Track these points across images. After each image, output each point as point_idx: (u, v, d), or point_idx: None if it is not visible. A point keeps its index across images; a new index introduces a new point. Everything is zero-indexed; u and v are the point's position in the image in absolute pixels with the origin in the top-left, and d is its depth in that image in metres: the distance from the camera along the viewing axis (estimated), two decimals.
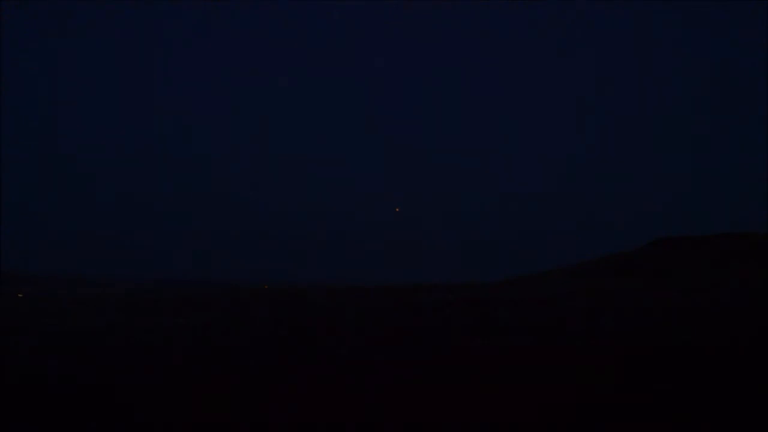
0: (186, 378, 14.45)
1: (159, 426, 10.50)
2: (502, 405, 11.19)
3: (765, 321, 22.52)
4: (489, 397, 11.81)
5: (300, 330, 24.67)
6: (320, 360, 16.57)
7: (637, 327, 22.38)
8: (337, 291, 62.39)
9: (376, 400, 11.82)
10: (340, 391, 12.68)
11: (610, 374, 13.55)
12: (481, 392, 12.18)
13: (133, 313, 37.28)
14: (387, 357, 16.76)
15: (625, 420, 10.12)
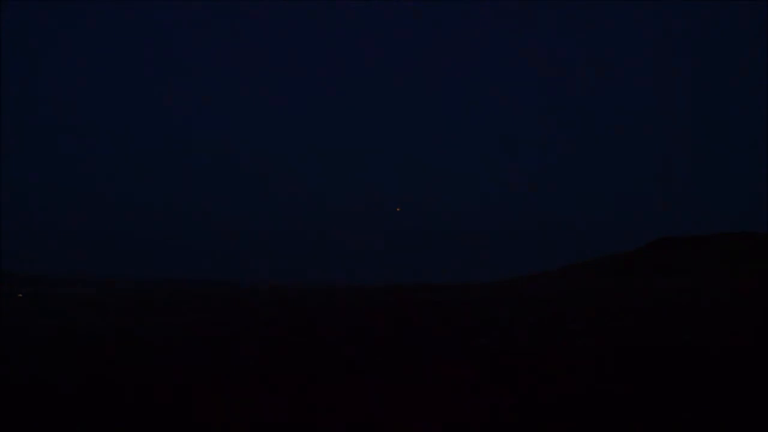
0: (186, 378, 14.45)
1: (158, 426, 10.51)
2: (502, 405, 11.20)
3: (765, 321, 22.53)
4: (489, 397, 11.82)
5: (300, 330, 24.68)
6: (320, 360, 16.58)
7: (636, 327, 22.38)
8: (337, 291, 62.39)
9: (376, 400, 11.82)
10: (340, 391, 12.69)
11: (610, 374, 13.56)
12: (481, 392, 12.19)
13: (134, 313, 37.28)
14: (387, 357, 16.76)
15: (625, 420, 10.13)
